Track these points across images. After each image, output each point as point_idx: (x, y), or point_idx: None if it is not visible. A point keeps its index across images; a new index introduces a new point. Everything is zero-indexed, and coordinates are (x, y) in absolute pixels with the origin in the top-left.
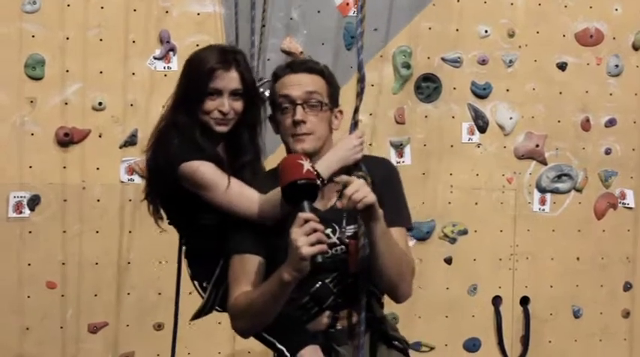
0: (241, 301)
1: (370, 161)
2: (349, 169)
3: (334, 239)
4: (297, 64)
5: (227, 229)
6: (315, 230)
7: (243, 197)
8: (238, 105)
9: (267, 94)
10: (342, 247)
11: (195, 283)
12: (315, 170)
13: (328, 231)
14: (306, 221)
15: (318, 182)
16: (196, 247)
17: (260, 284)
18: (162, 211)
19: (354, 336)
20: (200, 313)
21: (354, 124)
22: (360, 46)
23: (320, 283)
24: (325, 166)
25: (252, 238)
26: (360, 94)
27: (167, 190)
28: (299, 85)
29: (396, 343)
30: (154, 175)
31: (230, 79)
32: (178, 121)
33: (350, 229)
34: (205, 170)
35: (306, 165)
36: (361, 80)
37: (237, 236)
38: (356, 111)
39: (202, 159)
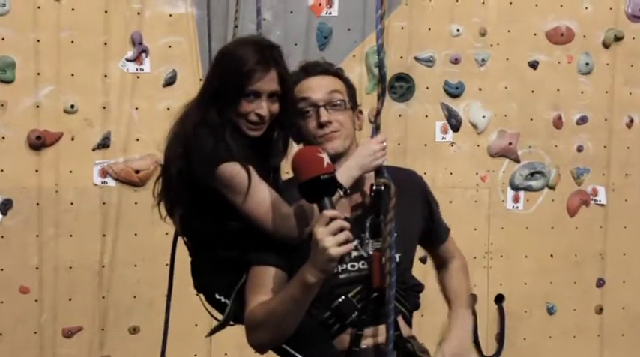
0: (259, 312)
1: (399, 172)
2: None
3: (362, 252)
4: (311, 67)
5: (249, 238)
6: (342, 229)
7: (277, 214)
8: (275, 107)
9: None
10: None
11: (201, 295)
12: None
13: (356, 242)
14: (332, 219)
15: (342, 193)
16: (213, 259)
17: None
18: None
19: (380, 355)
20: (218, 328)
21: (376, 128)
22: (380, 44)
23: (343, 297)
24: (346, 175)
25: (275, 249)
26: (381, 96)
27: (195, 193)
28: (318, 87)
29: None
30: (179, 177)
31: (269, 80)
32: (209, 120)
33: (374, 242)
34: (245, 175)
35: (326, 158)
36: (382, 81)
37: (260, 246)
38: (377, 114)
39: (243, 163)
